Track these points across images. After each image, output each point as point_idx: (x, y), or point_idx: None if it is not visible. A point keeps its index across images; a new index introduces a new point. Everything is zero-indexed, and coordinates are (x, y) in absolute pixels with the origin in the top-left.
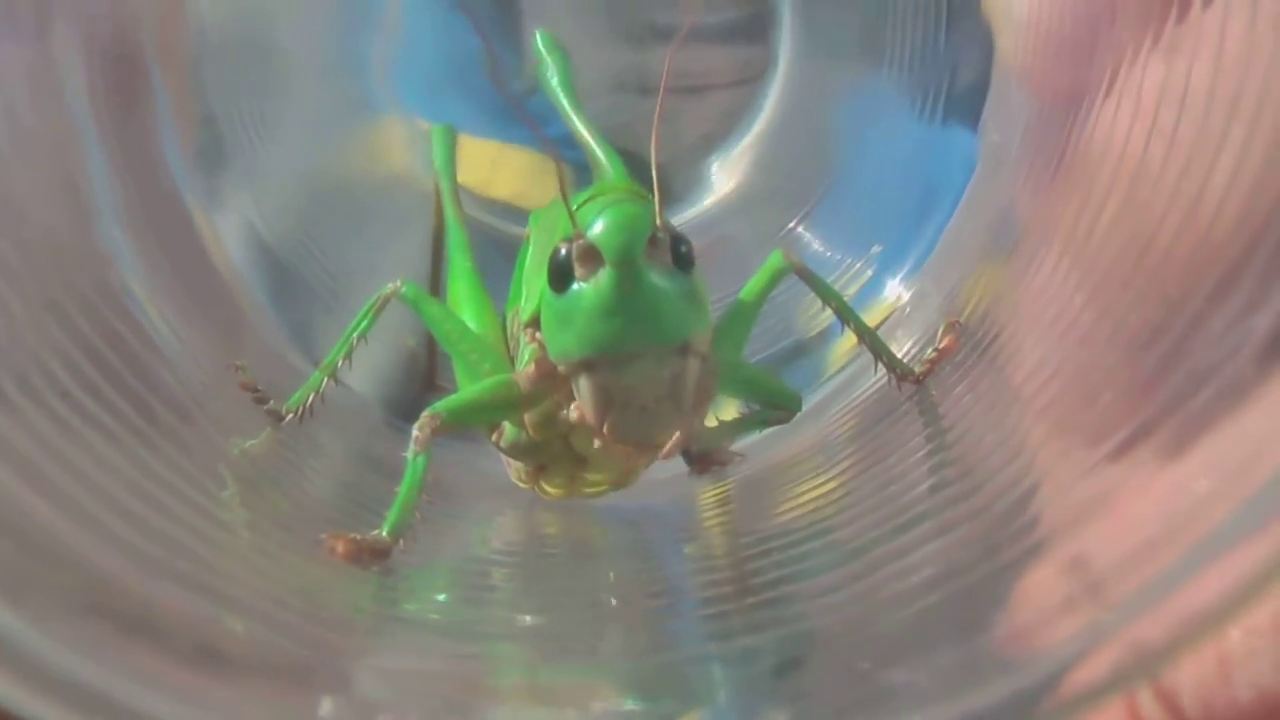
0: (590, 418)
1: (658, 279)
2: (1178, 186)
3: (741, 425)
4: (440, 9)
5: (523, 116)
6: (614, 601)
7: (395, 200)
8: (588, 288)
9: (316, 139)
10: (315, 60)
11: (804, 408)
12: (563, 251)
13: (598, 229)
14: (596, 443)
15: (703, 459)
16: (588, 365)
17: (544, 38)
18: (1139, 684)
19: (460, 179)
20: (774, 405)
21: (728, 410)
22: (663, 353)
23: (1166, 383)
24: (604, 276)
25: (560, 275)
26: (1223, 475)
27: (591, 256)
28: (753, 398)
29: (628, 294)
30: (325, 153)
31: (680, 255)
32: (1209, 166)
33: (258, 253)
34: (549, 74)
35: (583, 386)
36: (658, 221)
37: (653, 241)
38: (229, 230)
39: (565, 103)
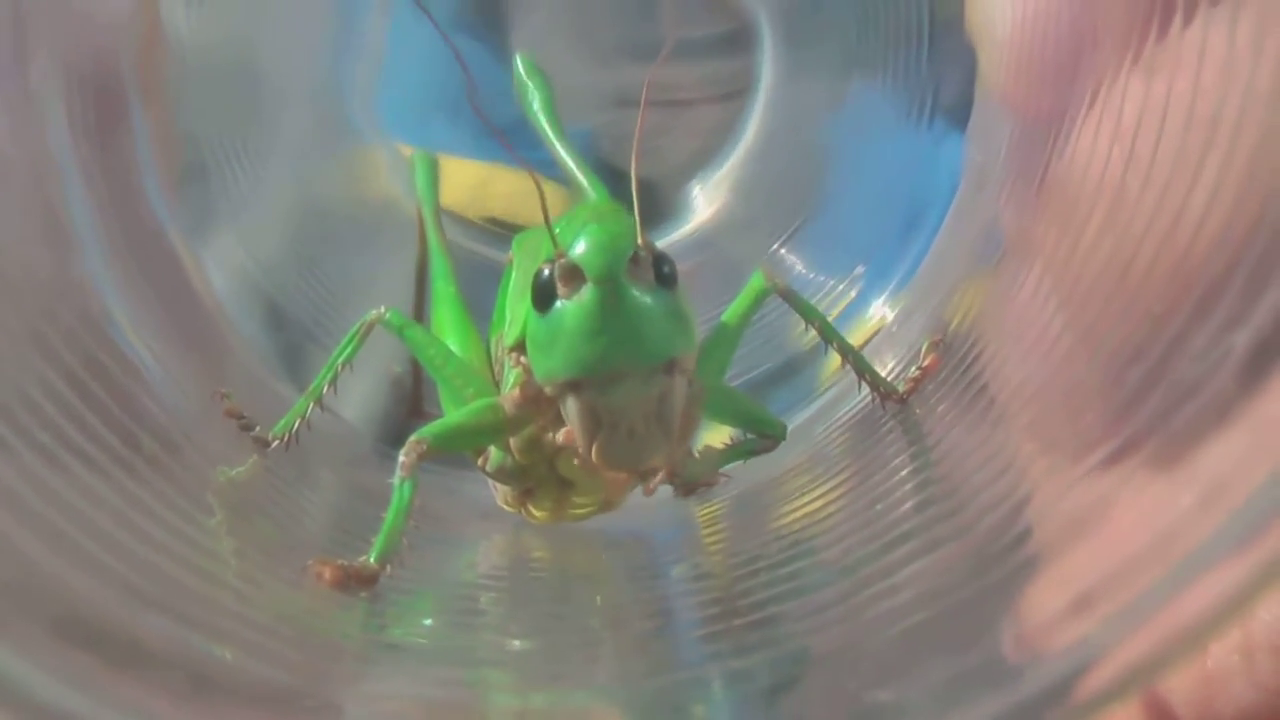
0: (578, 440)
1: (641, 296)
2: (1158, 205)
3: (727, 455)
4: (422, 35)
5: (503, 141)
6: (600, 625)
7: (380, 227)
8: (570, 306)
9: (300, 167)
10: (297, 88)
11: (792, 426)
12: (545, 272)
13: (579, 247)
14: (579, 463)
15: (689, 481)
16: (573, 386)
17: (525, 62)
18: (1128, 699)
19: (444, 203)
20: (759, 432)
21: (714, 437)
22: (648, 372)
23: (1149, 400)
24: (587, 294)
25: (543, 295)
26: (1206, 492)
27: (574, 275)
28: (738, 424)
29: (611, 312)
30: (309, 180)
31: (663, 274)
32: (1189, 185)
33: (242, 280)
34: (530, 98)
35: (569, 408)
36: (639, 240)
37: (635, 260)
38: (212, 258)
39: (547, 127)
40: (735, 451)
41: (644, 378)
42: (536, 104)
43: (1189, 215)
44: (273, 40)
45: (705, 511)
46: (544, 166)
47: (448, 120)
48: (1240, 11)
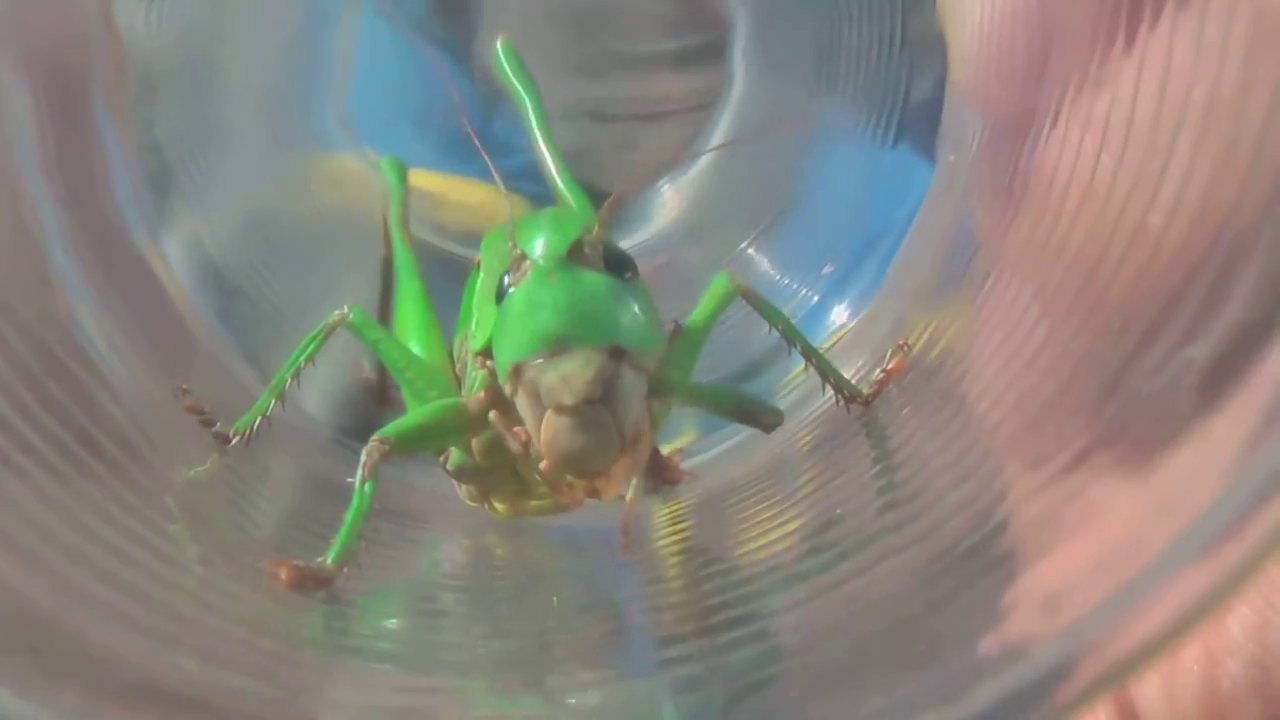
0: (530, 433)
1: (583, 275)
2: (1122, 213)
3: (716, 406)
4: (390, 41)
5: (473, 136)
6: (555, 627)
7: (347, 231)
8: (517, 290)
9: (267, 169)
10: (263, 94)
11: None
12: (505, 275)
13: (527, 235)
14: (540, 473)
15: (654, 476)
16: (518, 372)
17: (505, 48)
18: (1092, 706)
19: (412, 206)
20: (752, 416)
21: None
22: (590, 353)
23: (1108, 410)
24: (529, 275)
25: (500, 290)
26: (1164, 503)
27: (520, 264)
28: (723, 408)
29: (549, 287)
30: (276, 182)
31: (616, 264)
32: (1152, 194)
33: (207, 278)
34: (521, 99)
35: (520, 401)
36: (594, 231)
37: (580, 246)
38: (178, 255)
39: (536, 126)
40: (729, 403)
41: (585, 359)
42: (529, 105)
43: (1152, 224)
44: (239, 47)
45: (667, 511)
46: (521, 176)
47: (418, 128)
48: (1206, 13)
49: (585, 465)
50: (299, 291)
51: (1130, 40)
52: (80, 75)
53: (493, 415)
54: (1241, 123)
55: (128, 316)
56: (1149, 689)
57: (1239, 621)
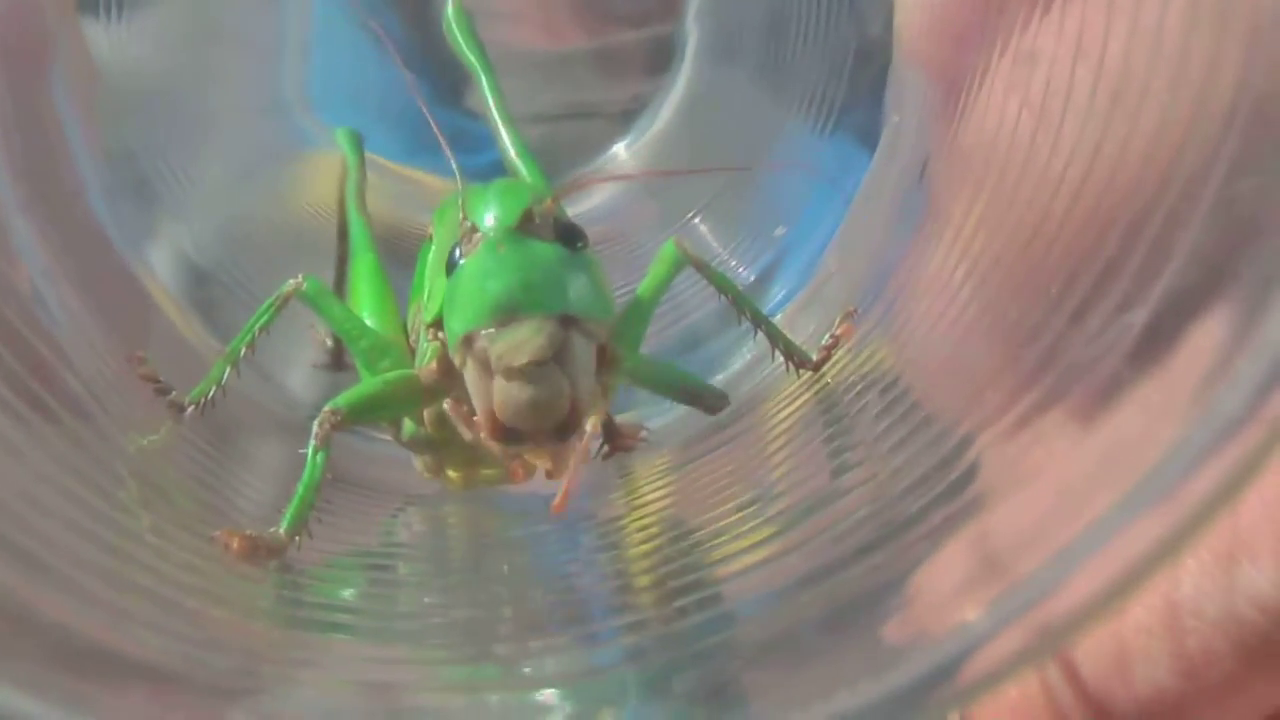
0: (476, 404)
1: (530, 245)
2: (1062, 177)
3: (663, 388)
4: (353, 33)
5: (432, 119)
6: (505, 594)
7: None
8: (467, 262)
9: (235, 159)
10: (230, 87)
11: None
12: (455, 247)
13: (477, 207)
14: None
15: (610, 442)
16: (469, 341)
17: (460, 23)
18: (1030, 669)
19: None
20: (699, 397)
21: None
22: (540, 321)
23: (1048, 376)
24: (479, 247)
25: (451, 260)
26: (1101, 468)
27: (470, 235)
28: (676, 396)
29: (497, 257)
30: (245, 173)
31: (566, 235)
32: (1090, 156)
33: (169, 247)
34: (457, 38)
35: (467, 371)
36: (545, 204)
37: (530, 217)
38: (137, 220)
39: (488, 93)
40: (675, 384)
41: (536, 327)
42: (464, 45)
43: (1090, 188)
44: (199, 45)
45: (620, 478)
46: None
47: (382, 118)
48: None
49: (536, 423)
50: (265, 262)
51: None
52: (38, 55)
53: (448, 405)
54: (1179, 87)
55: (80, 275)
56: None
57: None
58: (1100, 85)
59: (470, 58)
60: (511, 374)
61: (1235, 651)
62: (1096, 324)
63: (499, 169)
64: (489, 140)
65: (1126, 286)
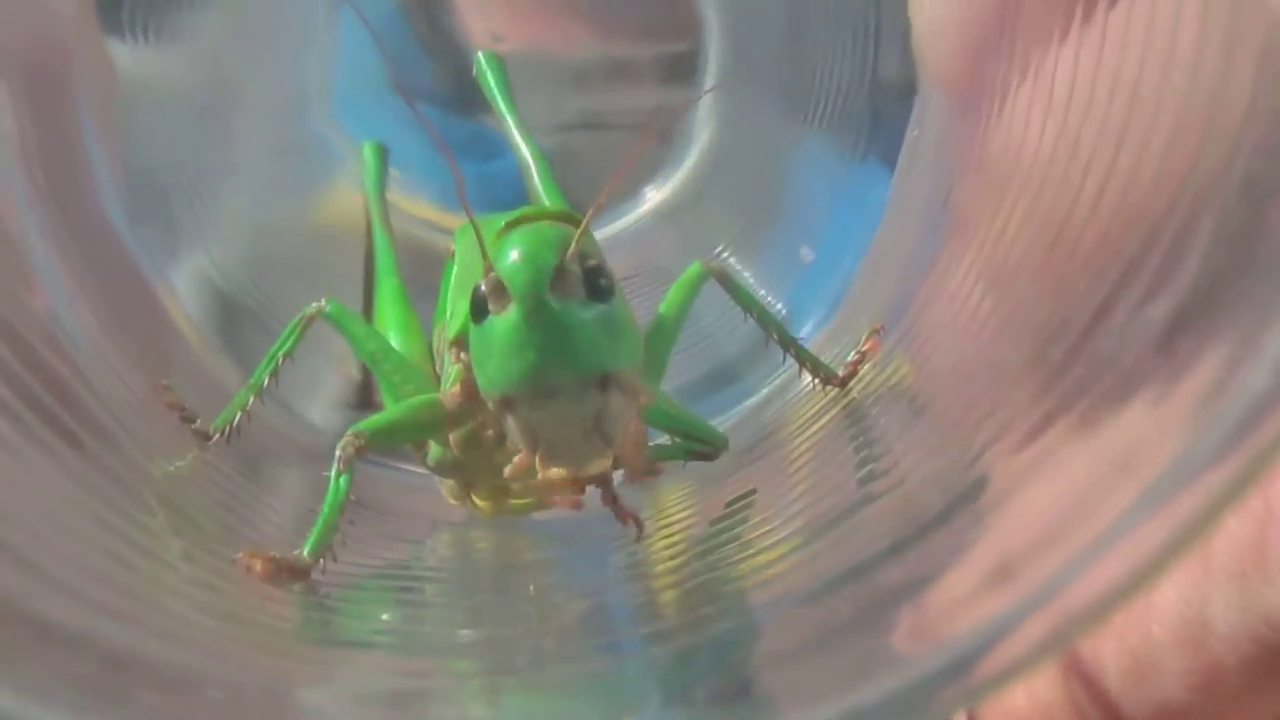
0: (522, 448)
1: (566, 312)
2: (1083, 182)
3: (666, 452)
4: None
5: (433, 133)
6: (531, 613)
7: (342, 235)
8: (499, 321)
9: (259, 177)
10: (254, 104)
11: (738, 414)
12: (480, 289)
13: (505, 264)
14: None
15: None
16: (508, 403)
17: (485, 55)
18: (1044, 666)
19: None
20: (700, 443)
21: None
22: (581, 386)
23: (1071, 374)
24: (513, 312)
25: (477, 309)
26: (1125, 462)
27: (501, 292)
28: (676, 433)
29: (533, 327)
30: (267, 182)
31: (597, 287)
32: (1113, 156)
33: (194, 274)
34: (488, 82)
35: (508, 423)
36: (570, 251)
37: (563, 274)
38: (162, 247)
39: (502, 106)
40: (674, 450)
41: (576, 393)
42: (493, 82)
43: (1111, 191)
44: (224, 59)
45: (652, 498)
46: (508, 178)
47: (402, 126)
48: None
49: (577, 474)
50: (289, 287)
51: (1089, 13)
52: (59, 75)
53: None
54: (1192, 101)
55: (106, 308)
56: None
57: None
58: (1117, 99)
59: (500, 104)
60: (555, 435)
61: (1248, 666)
62: (1121, 318)
63: (515, 173)
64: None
65: (1149, 280)
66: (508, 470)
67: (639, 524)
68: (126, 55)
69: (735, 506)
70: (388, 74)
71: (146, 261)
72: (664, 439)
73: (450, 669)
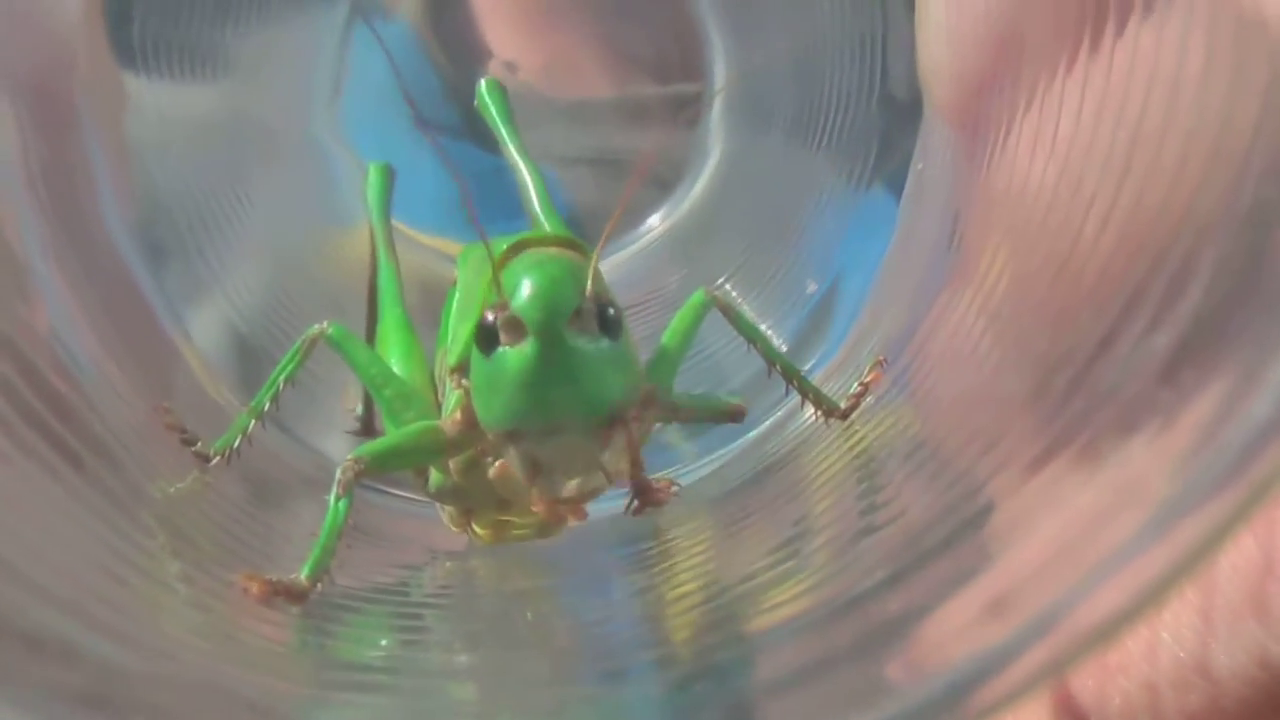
0: (520, 478)
1: (583, 350)
2: (1085, 215)
3: (691, 416)
4: (383, 71)
5: (445, 159)
6: (528, 640)
7: (353, 261)
8: (512, 355)
9: (269, 196)
10: (269, 133)
11: (740, 445)
12: (489, 318)
13: (523, 298)
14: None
15: (641, 497)
16: (512, 437)
17: (488, 83)
18: (1034, 697)
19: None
20: (719, 416)
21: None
22: (588, 423)
23: (1073, 405)
24: (528, 348)
25: (487, 341)
26: (1126, 492)
27: (516, 327)
28: (701, 419)
29: (551, 367)
30: (281, 209)
31: (608, 320)
32: (1116, 190)
33: (198, 293)
34: (490, 111)
35: (510, 454)
36: (587, 288)
37: (579, 311)
38: (169, 274)
39: (505, 134)
40: (700, 412)
41: (583, 430)
42: (494, 111)
43: (1115, 219)
44: (240, 87)
45: (655, 528)
46: (503, 207)
47: (413, 147)
48: (1168, 19)
49: (580, 499)
50: (294, 309)
51: (1096, 44)
52: (65, 96)
53: (494, 474)
54: (1198, 127)
55: (111, 331)
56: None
57: (1135, 641)
58: (1120, 133)
59: (501, 131)
60: (556, 468)
61: (1244, 710)
62: (1124, 348)
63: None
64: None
65: (1153, 310)
66: (491, 472)
67: (659, 502)
68: (136, 80)
69: (735, 537)
70: (410, 110)
71: (153, 289)
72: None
73: (448, 695)
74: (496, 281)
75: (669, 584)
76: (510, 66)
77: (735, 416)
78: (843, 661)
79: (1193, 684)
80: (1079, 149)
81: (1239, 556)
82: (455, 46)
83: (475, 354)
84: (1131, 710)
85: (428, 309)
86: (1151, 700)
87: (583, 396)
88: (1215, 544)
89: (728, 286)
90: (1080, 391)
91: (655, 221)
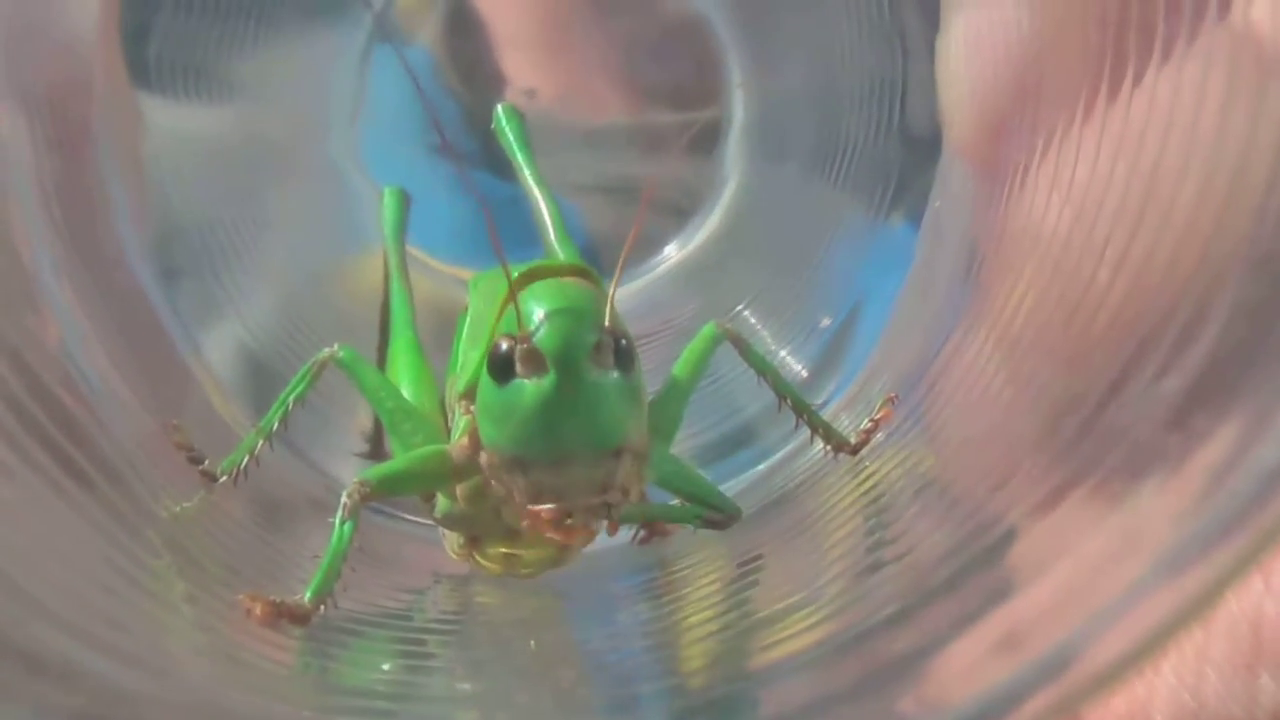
0: (519, 506)
1: (599, 384)
2: (1099, 260)
3: (671, 513)
4: (401, 97)
5: (468, 182)
6: (531, 670)
7: (369, 287)
8: (529, 387)
9: (286, 220)
10: (284, 157)
11: (749, 478)
12: (504, 347)
13: (545, 332)
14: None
15: (646, 528)
16: (520, 463)
17: (505, 108)
18: None
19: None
20: (713, 508)
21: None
22: (597, 455)
23: (1083, 448)
24: (546, 382)
25: (501, 370)
26: (1135, 535)
27: (535, 359)
28: (692, 499)
29: (569, 401)
30: (299, 234)
31: (622, 353)
32: (1127, 242)
33: (229, 337)
34: (506, 136)
35: (515, 479)
36: (605, 322)
37: (597, 345)
38: (181, 291)
39: (521, 160)
40: (682, 513)
41: (592, 461)
42: (512, 138)
43: (1129, 265)
44: (252, 117)
45: (661, 559)
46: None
47: (430, 172)
48: (1186, 64)
49: (574, 528)
50: (307, 330)
51: (1115, 92)
52: (81, 114)
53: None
54: (1212, 178)
55: (122, 349)
56: None
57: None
58: (1135, 180)
59: (518, 156)
60: (561, 497)
61: None
62: (1136, 392)
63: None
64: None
65: (1165, 354)
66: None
67: (666, 533)
68: (151, 100)
69: (746, 569)
70: (432, 134)
71: (166, 306)
72: (675, 501)
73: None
74: (515, 309)
75: (676, 615)
76: (528, 94)
77: (723, 520)
78: (848, 700)
79: None
80: (1094, 194)
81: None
82: (473, 73)
83: (485, 379)
84: None
85: (439, 335)
86: None
87: (595, 429)
88: (1223, 589)
89: (746, 313)
90: (1091, 434)
91: (670, 251)
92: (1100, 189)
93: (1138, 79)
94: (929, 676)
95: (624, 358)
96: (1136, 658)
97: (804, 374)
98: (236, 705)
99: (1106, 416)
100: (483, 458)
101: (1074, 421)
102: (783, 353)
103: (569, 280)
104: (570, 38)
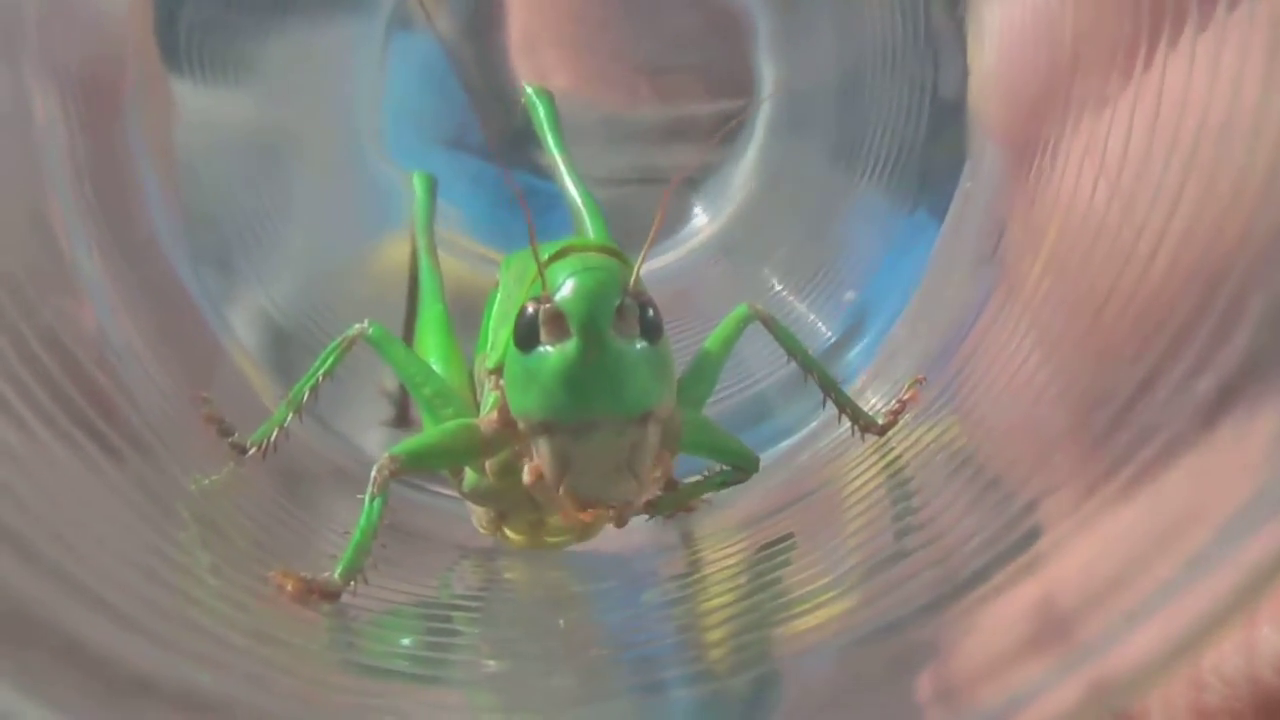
0: (547, 477)
1: (623, 350)
2: (1133, 246)
3: (700, 487)
4: (431, 87)
5: (502, 164)
6: (559, 650)
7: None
8: (553, 352)
9: (313, 206)
10: (311, 142)
11: (776, 453)
12: (530, 311)
13: (566, 294)
14: (548, 500)
15: (664, 508)
16: (547, 428)
17: (532, 87)
18: None
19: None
20: (732, 464)
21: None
22: (623, 422)
23: (1114, 442)
24: (570, 345)
25: (526, 335)
26: (1167, 532)
27: (558, 322)
28: (711, 455)
29: (593, 364)
30: (325, 219)
31: (647, 322)
32: (1163, 227)
33: (237, 286)
34: (537, 114)
35: (541, 446)
36: (630, 286)
37: (621, 311)
38: (207, 263)
39: (551, 142)
40: (708, 484)
41: (618, 428)
42: (542, 115)
43: (1162, 258)
44: (284, 95)
45: (688, 537)
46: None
47: (452, 158)
48: (1223, 42)
49: (602, 502)
50: (334, 308)
51: (1149, 65)
52: (114, 92)
53: (527, 475)
54: (1253, 154)
55: (150, 322)
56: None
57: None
58: (1173, 161)
59: (548, 137)
60: (586, 465)
61: (1252, 711)
62: (1166, 390)
63: (566, 226)
64: (558, 198)
65: (1199, 350)
66: (526, 475)
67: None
68: (181, 84)
69: (771, 550)
70: (464, 125)
71: (196, 284)
72: (696, 476)
73: (473, 702)
74: (541, 280)
75: (701, 595)
76: (550, 86)
77: (742, 475)
78: (873, 689)
79: (1198, 682)
80: (1128, 176)
81: None
82: (494, 64)
83: (512, 350)
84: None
85: (466, 316)
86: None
87: (619, 395)
88: (1258, 587)
89: (769, 286)
90: (1122, 428)
91: (695, 232)
92: (1135, 170)
93: (1173, 44)
94: (956, 670)
95: (649, 325)
96: (1168, 658)
97: (827, 348)
98: (265, 683)
99: (1138, 413)
100: (520, 425)
101: (1105, 415)
102: (806, 327)
103: (596, 255)
104: (594, 31)
